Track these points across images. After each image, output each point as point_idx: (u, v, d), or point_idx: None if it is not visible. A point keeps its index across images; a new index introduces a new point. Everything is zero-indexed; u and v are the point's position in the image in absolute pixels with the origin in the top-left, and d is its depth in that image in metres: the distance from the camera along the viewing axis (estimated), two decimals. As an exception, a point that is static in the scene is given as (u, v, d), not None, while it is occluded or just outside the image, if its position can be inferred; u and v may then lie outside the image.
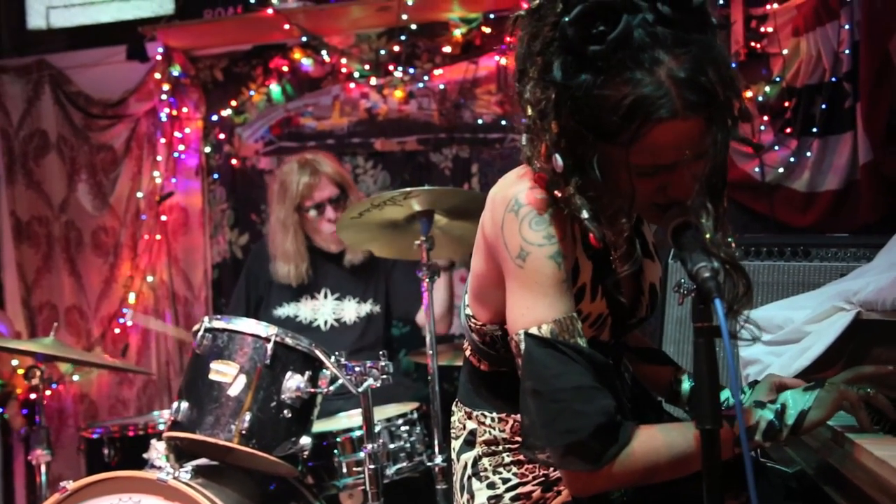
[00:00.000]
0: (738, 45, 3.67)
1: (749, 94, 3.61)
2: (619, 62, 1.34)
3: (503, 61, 3.94)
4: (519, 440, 1.60)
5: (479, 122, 4.08)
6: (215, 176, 4.44)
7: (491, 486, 1.65)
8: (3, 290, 4.68)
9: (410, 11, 3.96)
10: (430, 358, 2.67)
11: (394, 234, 2.83)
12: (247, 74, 4.38)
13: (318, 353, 2.52)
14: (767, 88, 3.65)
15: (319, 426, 2.77)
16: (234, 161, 4.40)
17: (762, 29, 3.67)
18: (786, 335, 2.10)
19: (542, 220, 1.46)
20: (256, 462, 2.58)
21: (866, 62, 3.38)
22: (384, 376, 2.36)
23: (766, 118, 3.64)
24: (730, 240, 1.52)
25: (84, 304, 4.56)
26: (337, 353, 2.44)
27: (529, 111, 1.46)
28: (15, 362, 4.26)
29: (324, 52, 4.20)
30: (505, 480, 1.64)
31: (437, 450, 2.67)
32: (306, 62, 4.26)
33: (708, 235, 1.45)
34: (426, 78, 4.10)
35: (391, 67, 4.13)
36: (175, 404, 2.50)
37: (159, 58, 4.32)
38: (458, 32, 4.04)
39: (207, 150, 4.43)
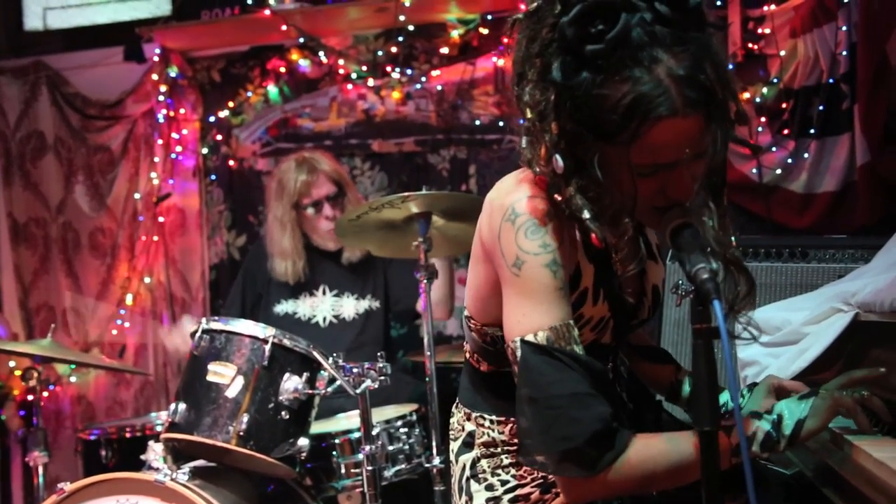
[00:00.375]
0: (735, 46, 3.67)
1: (747, 95, 3.61)
2: (618, 61, 1.35)
3: (501, 62, 3.94)
4: (517, 441, 1.60)
5: (477, 123, 4.08)
6: (213, 177, 4.44)
7: (489, 487, 1.65)
8: (1, 291, 4.68)
9: (408, 13, 3.96)
10: (428, 359, 2.67)
11: (392, 236, 2.83)
12: (244, 75, 4.38)
13: (315, 354, 2.52)
14: (765, 90, 3.65)
15: (318, 427, 2.76)
16: (231, 162, 4.40)
17: (760, 30, 3.68)
18: (784, 336, 2.10)
19: (539, 228, 1.46)
20: (254, 463, 2.58)
21: (864, 63, 3.38)
22: (382, 377, 2.36)
23: (763, 119, 3.64)
24: (732, 239, 1.52)
25: (81, 306, 4.55)
26: (335, 353, 2.44)
27: (529, 113, 1.46)
28: (12, 364, 4.27)
29: (321, 54, 4.21)
30: (503, 482, 1.64)
31: (435, 451, 2.67)
32: (304, 63, 4.26)
33: (711, 234, 1.45)
34: (424, 79, 4.10)
35: (389, 69, 4.13)
36: (172, 406, 2.50)
37: (156, 59, 4.32)
38: (455, 34, 4.04)
39: (205, 151, 4.43)
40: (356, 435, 2.78)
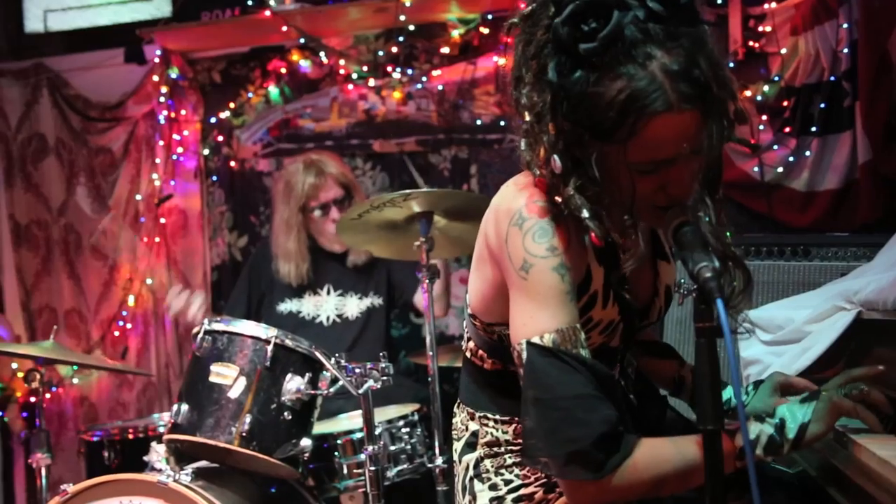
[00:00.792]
0: (736, 44, 3.66)
1: (748, 93, 3.61)
2: (612, 59, 1.35)
3: (501, 62, 3.94)
4: (522, 442, 1.60)
5: (478, 122, 4.08)
6: (214, 178, 4.44)
7: (493, 487, 1.65)
8: (3, 293, 4.68)
9: (408, 12, 3.95)
10: (431, 359, 2.67)
11: (393, 235, 2.83)
12: (245, 76, 4.37)
13: (318, 354, 2.51)
14: (766, 88, 3.65)
15: (320, 428, 2.76)
16: (232, 163, 4.40)
17: (760, 28, 3.67)
18: (786, 335, 2.10)
19: (546, 232, 1.47)
20: (257, 464, 2.58)
21: (865, 61, 3.38)
22: (384, 378, 2.36)
23: (764, 118, 3.64)
24: (728, 234, 1.52)
25: (83, 307, 4.56)
26: (337, 354, 2.44)
27: (527, 116, 1.46)
28: (14, 366, 4.27)
29: (322, 54, 4.20)
30: (507, 482, 1.64)
31: (437, 451, 2.67)
32: (304, 64, 4.26)
33: (708, 230, 1.45)
34: (424, 79, 4.10)
35: (389, 68, 4.12)
36: (175, 407, 2.50)
37: (157, 60, 4.32)
38: (456, 33, 4.04)
39: (206, 152, 4.43)
40: (358, 435, 2.78)
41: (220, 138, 4.40)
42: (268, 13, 3.99)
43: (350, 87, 4.20)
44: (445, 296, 3.41)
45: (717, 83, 1.37)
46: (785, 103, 3.63)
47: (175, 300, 3.38)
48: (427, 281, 2.68)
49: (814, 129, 3.58)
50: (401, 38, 4.09)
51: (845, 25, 3.47)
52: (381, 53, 4.15)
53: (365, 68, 4.17)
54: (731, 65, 3.57)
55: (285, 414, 2.48)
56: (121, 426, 3.28)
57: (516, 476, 1.64)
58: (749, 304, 1.55)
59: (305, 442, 2.51)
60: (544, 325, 1.45)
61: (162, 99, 4.33)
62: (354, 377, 2.35)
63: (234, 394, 2.46)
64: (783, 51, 3.62)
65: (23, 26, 4.74)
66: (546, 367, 1.43)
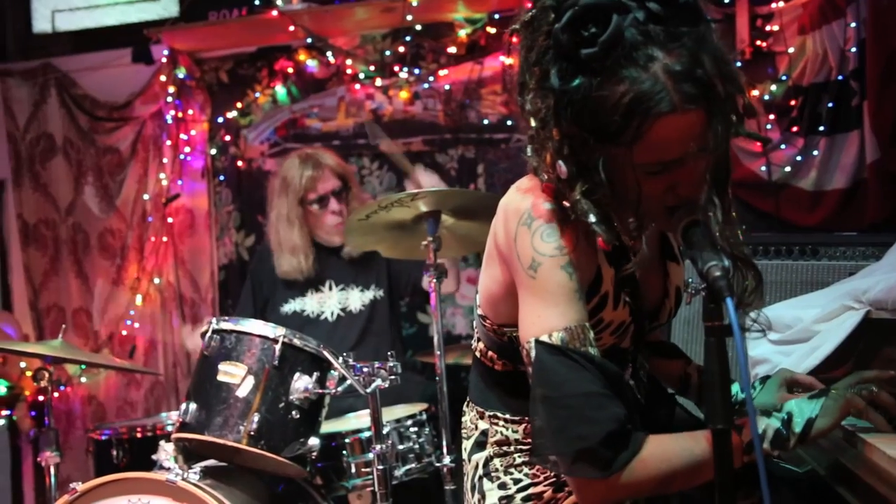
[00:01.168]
0: (743, 43, 3.66)
1: (755, 92, 3.60)
2: (613, 63, 1.35)
3: (508, 61, 3.94)
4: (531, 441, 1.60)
5: (485, 122, 4.08)
6: (221, 178, 4.45)
7: (502, 486, 1.65)
8: (11, 292, 4.70)
9: (415, 12, 3.96)
10: (438, 358, 2.67)
11: (401, 235, 2.83)
12: (252, 76, 4.39)
13: (326, 353, 2.52)
14: (773, 87, 3.65)
15: (328, 427, 2.77)
16: (239, 163, 4.41)
17: (768, 27, 3.67)
18: (795, 334, 2.10)
19: (554, 231, 1.47)
20: (265, 463, 2.58)
21: (873, 60, 3.37)
22: (392, 377, 2.36)
23: (772, 117, 3.63)
24: (738, 232, 1.52)
25: (91, 306, 4.57)
26: (345, 353, 2.44)
27: (532, 122, 1.46)
28: (23, 365, 4.28)
29: (329, 54, 4.21)
30: (516, 481, 1.64)
31: (445, 450, 2.67)
32: (311, 63, 4.26)
33: (717, 229, 1.45)
34: (431, 78, 4.10)
35: (396, 68, 4.13)
36: (183, 405, 2.50)
37: (164, 60, 4.34)
38: (462, 33, 4.05)
39: (213, 151, 4.44)
40: (366, 434, 2.78)
41: (228, 138, 4.41)
42: (275, 13, 4.00)
43: (357, 86, 4.21)
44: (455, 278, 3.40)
45: (723, 80, 1.37)
46: (792, 102, 3.62)
47: (189, 340, 3.42)
48: (435, 281, 2.68)
49: (821, 128, 3.57)
50: (408, 38, 4.09)
51: (853, 24, 3.46)
52: (388, 53, 4.16)
53: (372, 68, 4.17)
54: (739, 64, 3.56)
55: (293, 413, 2.48)
56: (129, 425, 3.29)
57: (525, 475, 1.64)
58: (761, 302, 1.55)
59: (313, 441, 2.51)
60: (553, 323, 1.45)
61: (169, 99, 4.35)
62: (362, 376, 2.36)
63: (242, 393, 2.46)
64: (791, 50, 3.62)
65: (31, 26, 4.76)
66: (555, 365, 1.43)
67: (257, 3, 4.16)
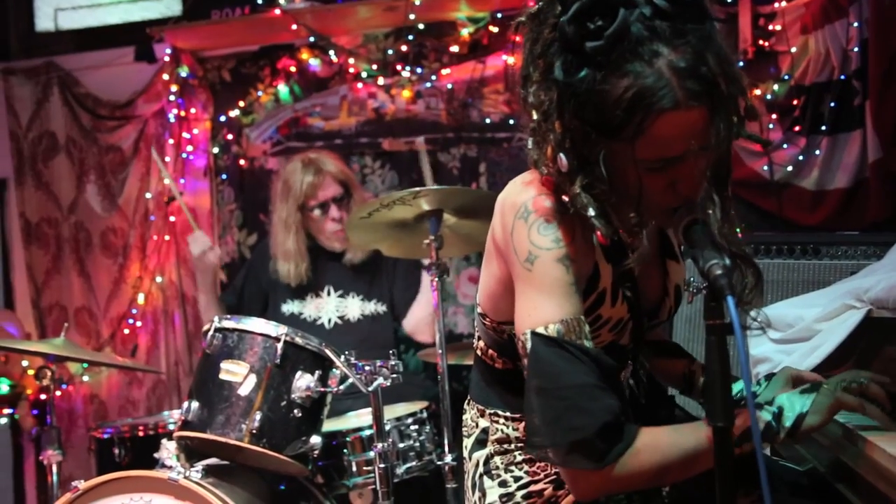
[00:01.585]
0: (746, 43, 3.66)
1: (758, 91, 3.60)
2: (618, 57, 1.35)
3: (511, 60, 3.94)
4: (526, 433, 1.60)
5: (487, 121, 4.08)
6: (223, 176, 4.45)
7: (503, 484, 1.65)
8: (13, 291, 4.71)
9: (418, 11, 3.96)
10: (440, 357, 2.68)
11: (403, 234, 2.83)
12: (254, 75, 4.38)
13: (328, 352, 2.52)
14: (776, 87, 3.65)
15: (329, 425, 2.77)
16: (242, 161, 4.41)
17: (770, 27, 3.67)
18: (796, 333, 2.10)
19: (551, 225, 1.47)
20: (267, 461, 2.59)
21: (875, 60, 3.37)
22: (394, 375, 2.36)
23: (774, 116, 3.63)
24: (737, 230, 1.52)
25: (93, 305, 4.57)
26: (347, 352, 2.44)
27: (534, 114, 1.47)
28: (25, 363, 4.28)
29: (331, 53, 4.21)
30: (517, 479, 1.64)
31: (446, 449, 2.67)
32: (314, 62, 4.26)
33: (717, 227, 1.45)
34: (434, 77, 4.10)
35: (399, 67, 4.13)
36: (185, 404, 2.50)
37: (167, 59, 4.34)
38: (465, 32, 4.04)
39: (215, 150, 4.44)
40: (367, 433, 2.79)
41: (230, 137, 4.41)
42: (278, 12, 4.00)
43: (359, 85, 4.21)
44: (432, 323, 3.40)
45: (726, 79, 1.37)
46: (795, 102, 3.62)
47: (194, 244, 3.45)
48: (436, 279, 2.69)
49: (824, 127, 3.57)
50: (410, 37, 4.09)
51: (856, 24, 3.46)
52: (390, 52, 4.16)
53: (374, 67, 4.17)
54: (741, 63, 3.56)
55: (295, 411, 2.49)
56: (131, 423, 3.29)
57: (526, 473, 1.64)
58: (760, 301, 1.55)
59: (315, 439, 2.52)
60: (549, 315, 1.45)
61: (172, 97, 4.34)
62: (364, 374, 2.36)
63: (244, 391, 2.47)
64: (793, 49, 3.62)
65: (34, 25, 4.76)
66: (550, 356, 1.43)
67: (260, 1, 4.16)
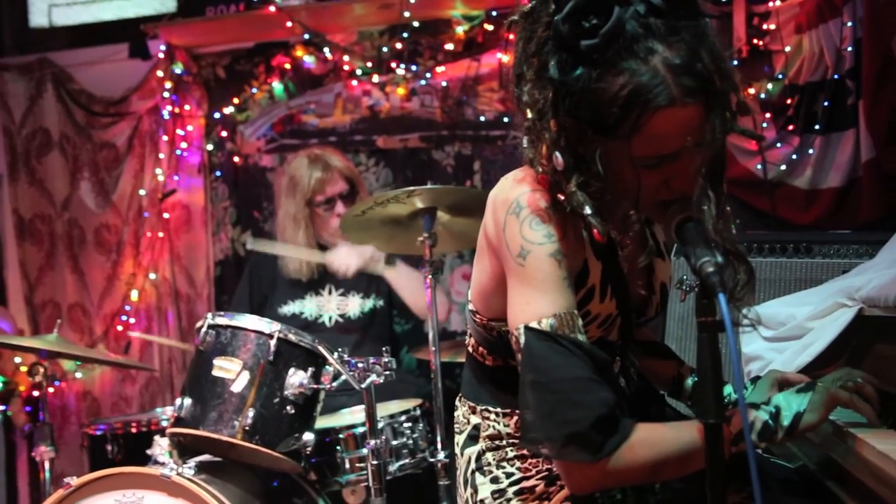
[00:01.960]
0: (740, 41, 3.67)
1: (752, 90, 3.61)
2: (613, 55, 1.36)
3: (505, 59, 3.95)
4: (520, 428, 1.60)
5: (482, 119, 4.08)
6: (217, 173, 4.44)
7: (494, 480, 1.65)
8: (6, 287, 4.70)
9: (413, 9, 3.96)
10: (433, 354, 2.68)
11: (397, 231, 2.83)
12: (249, 72, 4.38)
13: (321, 349, 2.52)
14: (770, 85, 3.65)
15: (322, 422, 2.77)
16: (236, 158, 4.40)
17: (764, 26, 3.67)
18: (788, 331, 2.11)
19: (543, 220, 1.48)
20: (259, 458, 2.58)
21: (869, 59, 3.38)
22: (387, 372, 2.36)
23: (768, 115, 3.64)
24: (731, 227, 1.53)
25: (87, 302, 4.57)
26: (340, 349, 2.44)
27: (529, 113, 1.47)
28: (18, 360, 4.28)
29: (326, 50, 4.21)
30: (508, 475, 1.64)
31: (439, 446, 2.67)
32: (308, 60, 4.26)
33: (711, 224, 1.45)
34: (428, 75, 4.11)
35: (393, 65, 4.13)
36: (178, 401, 2.50)
37: (161, 55, 4.33)
38: (460, 30, 4.05)
39: (210, 147, 4.44)
40: (360, 430, 2.78)
41: (224, 134, 4.41)
42: (272, 9, 4.00)
43: (354, 83, 4.21)
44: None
45: (720, 76, 1.38)
46: (788, 101, 3.63)
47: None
48: (430, 276, 2.69)
49: (817, 126, 3.58)
50: (405, 35, 4.09)
51: (850, 24, 3.47)
52: (385, 49, 4.16)
53: (369, 64, 4.17)
54: (735, 62, 3.57)
55: (288, 408, 2.49)
56: (124, 420, 3.29)
57: (518, 469, 1.64)
58: (752, 299, 1.56)
59: (308, 436, 2.52)
60: (542, 309, 1.45)
61: (166, 94, 4.34)
62: (357, 372, 2.36)
63: (237, 388, 2.47)
64: (787, 48, 3.63)
65: (27, 21, 4.76)
66: (544, 350, 1.43)
67: (254, -2, 4.17)
